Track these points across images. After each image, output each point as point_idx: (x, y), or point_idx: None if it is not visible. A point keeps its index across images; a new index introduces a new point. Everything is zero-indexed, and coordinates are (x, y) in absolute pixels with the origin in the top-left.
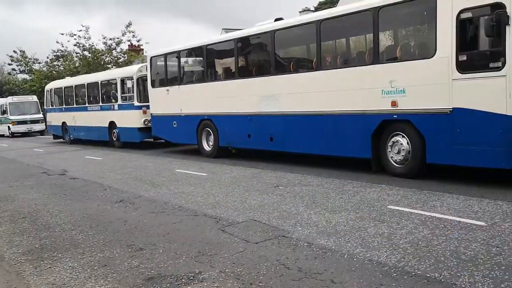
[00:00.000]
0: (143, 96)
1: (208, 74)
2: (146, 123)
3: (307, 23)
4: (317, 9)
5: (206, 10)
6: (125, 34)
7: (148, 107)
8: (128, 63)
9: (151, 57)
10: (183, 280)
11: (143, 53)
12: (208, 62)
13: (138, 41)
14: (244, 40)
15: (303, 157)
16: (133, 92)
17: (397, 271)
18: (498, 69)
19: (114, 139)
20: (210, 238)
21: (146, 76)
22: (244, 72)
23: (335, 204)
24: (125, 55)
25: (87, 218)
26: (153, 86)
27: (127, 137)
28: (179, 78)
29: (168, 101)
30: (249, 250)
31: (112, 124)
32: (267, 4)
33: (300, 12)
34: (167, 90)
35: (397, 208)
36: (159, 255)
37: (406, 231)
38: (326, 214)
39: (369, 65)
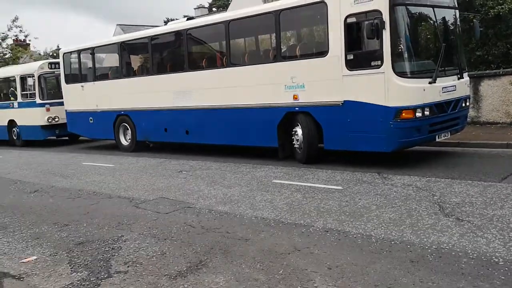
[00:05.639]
0: (46, 94)
1: (123, 70)
2: (50, 120)
3: (217, 23)
4: (211, 5)
5: (92, 5)
6: (12, 29)
7: (52, 104)
8: (15, 59)
9: (64, 54)
10: (109, 241)
11: (30, 49)
12: (123, 59)
13: (26, 36)
14: (159, 38)
15: (204, 148)
16: (34, 90)
17: (275, 222)
18: (378, 67)
19: (15, 137)
20: (127, 213)
21: (48, 73)
22: (159, 69)
23: (231, 182)
24: (12, 50)
25: (7, 207)
26: (67, 82)
27: (29, 135)
28: (94, 75)
29: (84, 97)
30: (161, 218)
31: (12, 122)
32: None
33: (195, 8)
34: (82, 86)
35: (279, 181)
36: (83, 228)
37: (285, 197)
38: (223, 189)
39: (273, 62)
